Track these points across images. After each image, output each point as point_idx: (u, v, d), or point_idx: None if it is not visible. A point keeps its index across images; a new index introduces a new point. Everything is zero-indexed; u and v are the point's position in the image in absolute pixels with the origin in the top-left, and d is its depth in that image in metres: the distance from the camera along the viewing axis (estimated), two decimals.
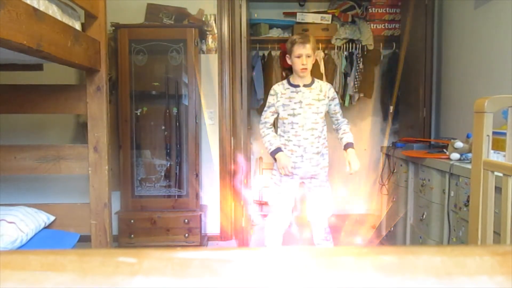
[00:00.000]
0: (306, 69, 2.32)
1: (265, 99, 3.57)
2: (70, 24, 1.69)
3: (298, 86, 2.38)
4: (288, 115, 2.35)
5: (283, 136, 2.39)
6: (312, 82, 2.41)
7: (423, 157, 2.43)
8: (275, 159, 2.36)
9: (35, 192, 3.10)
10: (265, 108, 2.46)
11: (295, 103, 2.35)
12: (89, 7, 1.82)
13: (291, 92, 2.37)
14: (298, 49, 2.30)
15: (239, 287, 0.29)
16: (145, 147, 3.27)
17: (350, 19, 3.66)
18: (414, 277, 0.29)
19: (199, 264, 0.30)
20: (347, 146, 2.37)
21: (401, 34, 3.53)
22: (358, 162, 2.33)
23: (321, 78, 3.52)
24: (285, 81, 2.46)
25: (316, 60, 3.64)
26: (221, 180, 3.37)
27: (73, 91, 2.05)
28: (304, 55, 2.30)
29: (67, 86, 2.15)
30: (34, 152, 2.06)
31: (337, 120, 2.45)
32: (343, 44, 3.64)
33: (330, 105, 2.41)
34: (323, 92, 2.38)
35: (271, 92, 2.45)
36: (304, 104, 2.34)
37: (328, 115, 2.46)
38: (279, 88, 2.42)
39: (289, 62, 2.41)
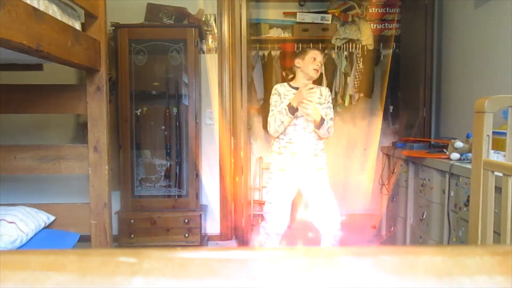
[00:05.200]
0: (318, 70, 2.37)
1: (265, 99, 3.58)
2: (70, 24, 1.69)
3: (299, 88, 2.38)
4: None
5: (283, 139, 2.37)
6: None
7: (423, 157, 2.43)
8: (296, 108, 2.26)
9: (35, 192, 3.10)
10: (272, 108, 2.40)
11: None
12: (89, 7, 1.82)
13: (293, 94, 2.37)
14: (314, 53, 2.38)
15: (239, 287, 0.29)
16: (145, 147, 3.27)
17: (350, 19, 3.65)
18: (414, 277, 0.29)
19: (199, 264, 0.30)
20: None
21: (401, 34, 3.53)
22: (313, 111, 2.24)
23: (321, 78, 3.52)
24: (285, 84, 2.46)
25: None
26: (221, 180, 3.37)
27: (73, 91, 2.05)
28: (318, 59, 2.37)
29: (67, 86, 2.15)
30: (34, 152, 2.06)
31: None
32: (343, 44, 3.64)
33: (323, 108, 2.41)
34: (323, 96, 2.40)
35: (274, 92, 2.44)
36: None
37: None
38: (282, 88, 2.43)
39: (297, 64, 2.40)
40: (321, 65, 2.45)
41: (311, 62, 2.36)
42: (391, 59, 3.66)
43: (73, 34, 1.65)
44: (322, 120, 2.30)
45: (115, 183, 2.99)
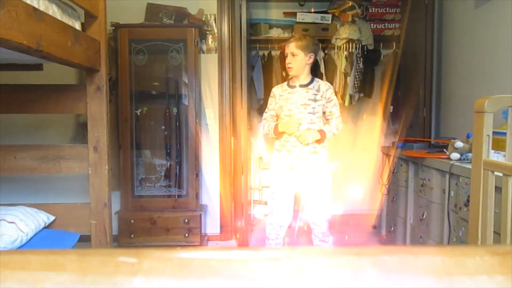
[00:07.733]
0: (290, 68, 2.32)
1: (265, 99, 3.58)
2: (70, 24, 1.69)
3: (294, 86, 2.38)
4: (285, 116, 2.36)
5: (281, 137, 2.39)
6: (311, 81, 2.38)
7: (423, 157, 2.43)
8: (281, 133, 2.36)
9: (35, 192, 3.10)
10: (266, 110, 2.52)
11: (291, 103, 2.35)
12: (89, 7, 1.82)
13: (288, 93, 2.38)
14: (285, 49, 2.36)
15: (239, 287, 0.29)
16: (145, 147, 3.27)
17: (350, 19, 3.65)
18: (414, 277, 0.29)
19: (199, 264, 0.30)
20: (319, 129, 2.32)
21: (401, 34, 3.53)
22: (307, 139, 2.28)
23: (321, 78, 3.51)
24: (284, 83, 2.48)
25: (316, 60, 3.64)
26: (221, 180, 3.37)
27: (73, 91, 2.05)
28: (289, 54, 2.32)
29: (67, 86, 2.15)
30: (34, 152, 2.06)
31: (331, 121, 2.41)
32: (343, 44, 3.64)
33: (326, 106, 2.37)
34: (320, 93, 2.35)
35: (271, 94, 2.50)
36: (299, 105, 2.33)
37: (324, 116, 2.44)
38: (278, 90, 2.45)
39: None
40: (297, 53, 2.30)
41: (286, 60, 2.37)
42: (391, 59, 3.66)
43: (73, 34, 1.65)
44: (323, 132, 2.31)
45: (115, 183, 2.99)
